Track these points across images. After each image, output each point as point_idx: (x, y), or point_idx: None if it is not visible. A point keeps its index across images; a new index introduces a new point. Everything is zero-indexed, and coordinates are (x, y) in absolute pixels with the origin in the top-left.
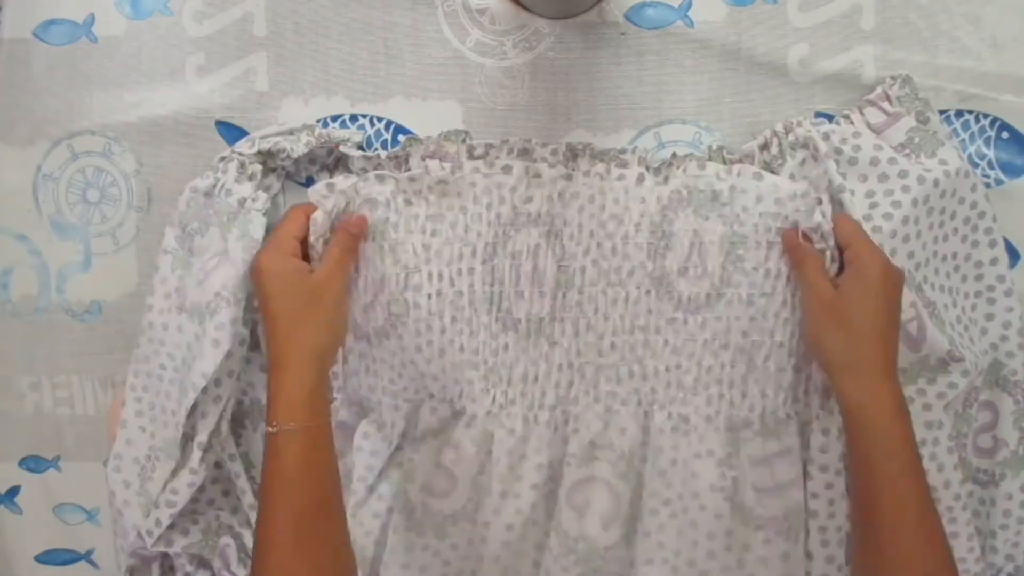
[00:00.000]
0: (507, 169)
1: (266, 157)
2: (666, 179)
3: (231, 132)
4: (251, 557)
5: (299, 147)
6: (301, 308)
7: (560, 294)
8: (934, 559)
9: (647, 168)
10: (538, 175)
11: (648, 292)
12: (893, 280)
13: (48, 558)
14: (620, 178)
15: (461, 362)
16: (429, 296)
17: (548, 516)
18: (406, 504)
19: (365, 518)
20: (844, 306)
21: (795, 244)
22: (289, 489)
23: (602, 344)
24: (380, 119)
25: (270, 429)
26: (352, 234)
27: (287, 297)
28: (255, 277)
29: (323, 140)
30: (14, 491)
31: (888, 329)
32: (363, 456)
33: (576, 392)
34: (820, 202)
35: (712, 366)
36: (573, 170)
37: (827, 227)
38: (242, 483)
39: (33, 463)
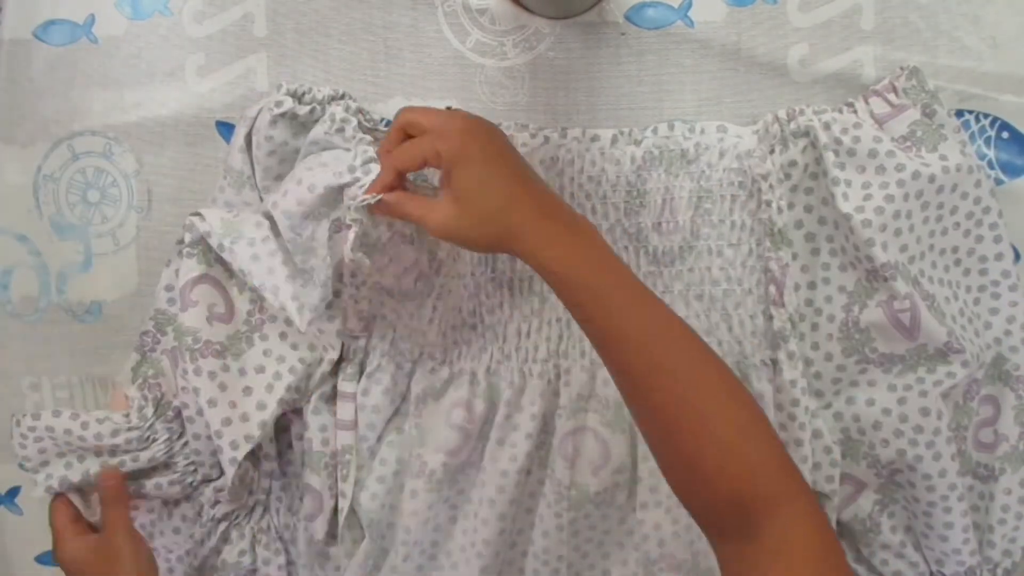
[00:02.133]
0: None
1: (295, 98)
2: (638, 142)
3: (231, 132)
4: None
5: (324, 90)
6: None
7: None
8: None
9: (620, 132)
10: (523, 145)
11: (625, 248)
12: (477, 139)
13: (48, 559)
14: (594, 139)
15: (460, 323)
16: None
17: (542, 466)
18: (421, 468)
19: (369, 482)
20: (458, 201)
21: (389, 204)
22: None
23: None
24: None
25: None
26: (111, 485)
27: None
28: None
29: (346, 95)
30: (14, 491)
31: (510, 182)
32: (365, 415)
33: (566, 346)
34: (772, 151)
35: (687, 316)
36: (547, 137)
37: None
38: None
39: None
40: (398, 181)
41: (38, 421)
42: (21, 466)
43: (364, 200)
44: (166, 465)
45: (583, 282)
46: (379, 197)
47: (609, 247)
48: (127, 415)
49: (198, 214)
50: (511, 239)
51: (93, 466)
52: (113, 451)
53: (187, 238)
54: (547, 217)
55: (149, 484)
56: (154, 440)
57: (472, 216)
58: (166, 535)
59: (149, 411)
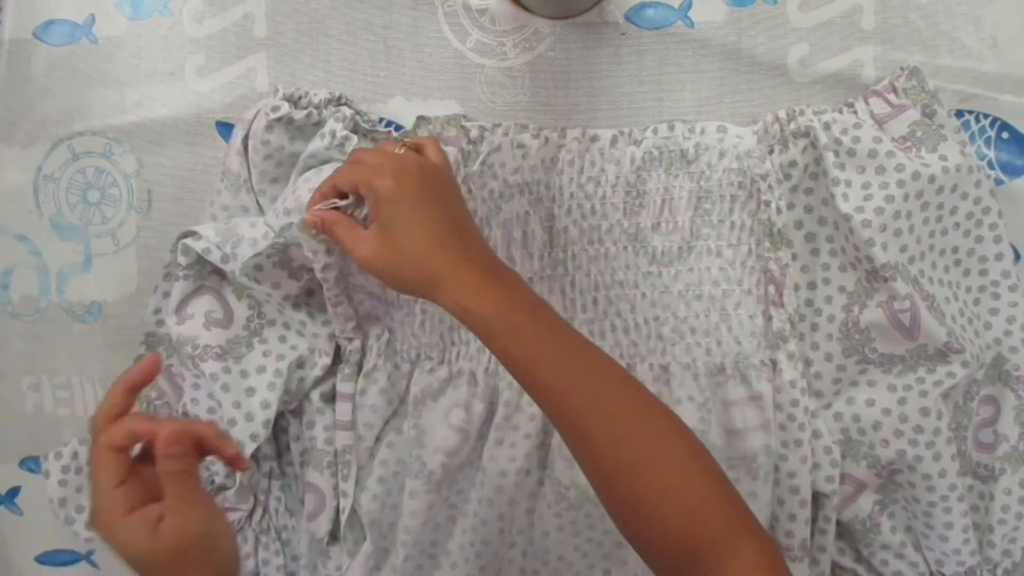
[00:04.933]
0: (496, 148)
1: (292, 103)
2: (638, 142)
3: (231, 132)
4: None
5: (321, 94)
6: (169, 566)
7: (545, 254)
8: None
9: (619, 132)
10: (522, 146)
11: (625, 248)
12: (411, 180)
13: (48, 559)
14: (594, 139)
15: (457, 324)
16: None
17: (541, 466)
18: (420, 468)
19: (369, 483)
20: (383, 237)
21: (318, 221)
22: None
23: (585, 300)
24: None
25: None
26: (175, 455)
27: (149, 564)
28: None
29: (342, 100)
30: (14, 491)
31: (436, 227)
32: (363, 415)
33: None
34: (772, 151)
35: (687, 316)
36: (547, 138)
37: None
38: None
39: (33, 463)
40: (333, 196)
41: (83, 446)
42: (67, 521)
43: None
44: None
45: (506, 329)
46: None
47: (535, 295)
48: None
49: (192, 233)
50: (433, 285)
51: None
52: None
53: (182, 261)
54: (470, 263)
55: None
56: None
57: (395, 255)
58: None
59: None
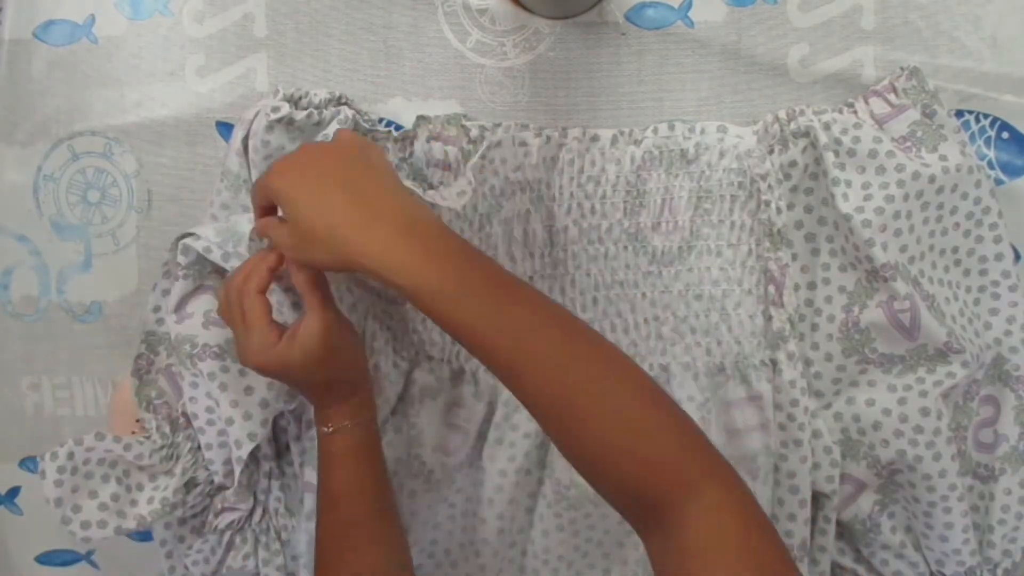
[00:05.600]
0: (497, 142)
1: (292, 103)
2: (638, 142)
3: (231, 132)
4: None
5: (321, 94)
6: (318, 369)
7: (546, 253)
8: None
9: (620, 131)
10: (524, 143)
11: (625, 248)
12: (299, 165)
13: (48, 559)
14: (594, 139)
15: None
16: None
17: (541, 465)
18: (420, 468)
19: None
20: (293, 227)
21: (258, 228)
22: (344, 476)
23: (585, 300)
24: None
25: (325, 429)
26: (311, 272)
27: (305, 368)
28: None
29: (343, 99)
30: (14, 491)
31: (334, 200)
32: None
33: None
34: (772, 151)
35: (687, 316)
36: (549, 137)
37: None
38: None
39: (33, 463)
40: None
41: (79, 446)
42: (64, 520)
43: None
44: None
45: (425, 287)
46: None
47: (464, 241)
48: (148, 437)
49: (191, 234)
50: (348, 257)
51: (126, 500)
52: (153, 474)
53: (182, 260)
54: (379, 224)
55: (189, 499)
56: (178, 457)
57: (304, 240)
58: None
59: (167, 428)
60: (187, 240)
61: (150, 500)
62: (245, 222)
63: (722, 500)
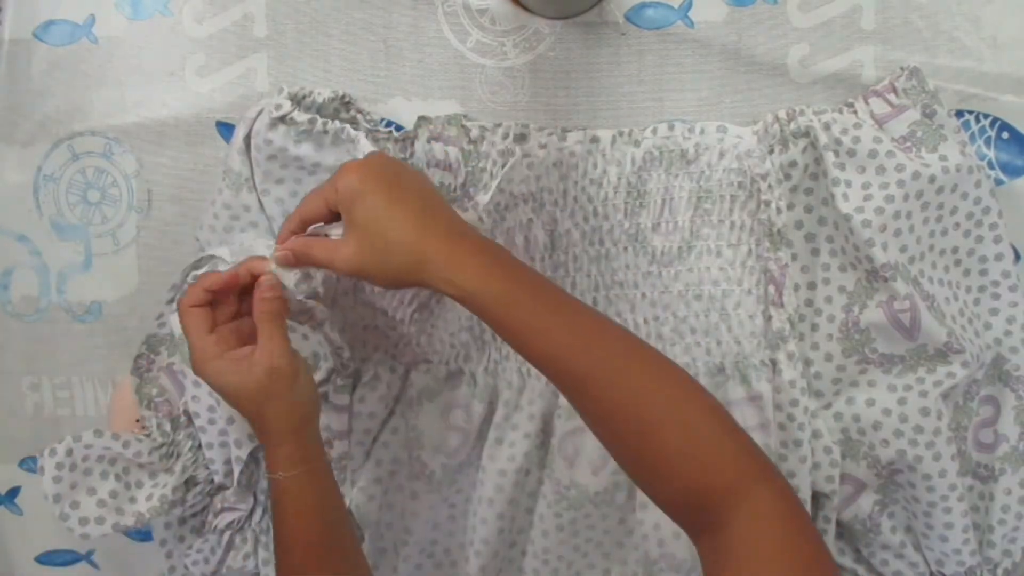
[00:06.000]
0: (510, 168)
1: (296, 103)
2: (638, 142)
3: (231, 133)
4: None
5: (325, 93)
6: (258, 395)
7: (546, 256)
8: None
9: (619, 132)
10: (528, 155)
11: (625, 248)
12: (374, 173)
13: (48, 559)
14: (595, 140)
15: (458, 328)
16: None
17: (541, 466)
18: (421, 470)
19: (366, 483)
20: (363, 235)
21: (289, 255)
22: (296, 524)
23: (584, 301)
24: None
25: (276, 476)
26: (268, 299)
27: (238, 396)
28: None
29: (346, 98)
30: (14, 491)
31: (414, 210)
32: (361, 420)
33: None
34: (772, 151)
35: (687, 316)
36: (550, 144)
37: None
38: None
39: (33, 463)
40: (302, 229)
41: (78, 443)
42: (62, 517)
43: (277, 253)
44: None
45: (501, 300)
46: (283, 252)
47: (524, 265)
48: (149, 435)
49: (209, 258)
50: (421, 268)
51: (124, 497)
52: (153, 472)
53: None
54: (455, 239)
55: (189, 497)
56: (179, 455)
57: (379, 247)
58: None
59: (167, 426)
60: (201, 264)
61: (149, 497)
62: (262, 247)
63: (774, 504)
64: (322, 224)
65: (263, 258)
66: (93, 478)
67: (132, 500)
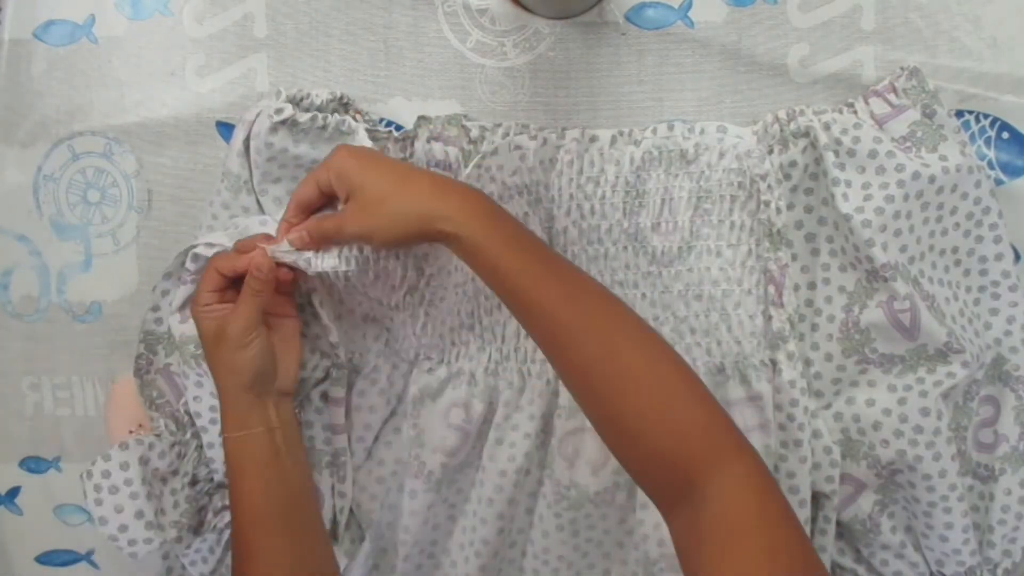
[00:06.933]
0: (493, 151)
1: (294, 104)
2: (638, 142)
3: (231, 132)
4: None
5: (323, 95)
6: (208, 345)
7: None
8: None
9: (619, 132)
10: (519, 147)
11: (625, 248)
12: (367, 151)
13: (48, 559)
14: (593, 139)
15: (459, 325)
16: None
17: (541, 466)
18: (420, 468)
19: (368, 483)
20: (364, 199)
21: (304, 236)
22: (249, 487)
23: None
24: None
25: (231, 435)
26: (255, 276)
27: (203, 343)
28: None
29: (344, 100)
30: (14, 492)
31: (404, 170)
32: (361, 415)
33: None
34: (771, 151)
35: (687, 316)
36: (546, 139)
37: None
38: None
39: (33, 463)
40: (302, 215)
41: (109, 463)
42: (111, 539)
43: (277, 249)
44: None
45: (491, 241)
46: (286, 247)
47: (511, 214)
48: (159, 435)
49: (206, 243)
50: (418, 214)
51: (156, 509)
52: (163, 477)
53: (191, 267)
54: (447, 184)
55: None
56: (186, 455)
57: (387, 206)
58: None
59: (173, 426)
60: (198, 249)
61: (175, 505)
62: (256, 224)
63: (748, 475)
64: (320, 213)
65: (268, 236)
66: (132, 497)
67: (162, 512)
